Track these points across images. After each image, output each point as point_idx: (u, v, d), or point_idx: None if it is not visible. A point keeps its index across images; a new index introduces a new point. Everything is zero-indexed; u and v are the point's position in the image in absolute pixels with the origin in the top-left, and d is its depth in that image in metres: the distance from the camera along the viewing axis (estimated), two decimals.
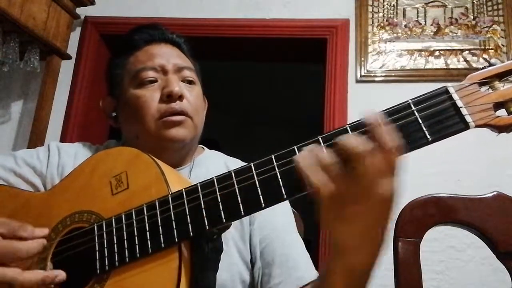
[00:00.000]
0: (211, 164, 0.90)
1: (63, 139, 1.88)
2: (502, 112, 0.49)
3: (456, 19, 1.87)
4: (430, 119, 0.49)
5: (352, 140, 0.48)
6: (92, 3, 2.00)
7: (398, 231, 0.78)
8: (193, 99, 0.85)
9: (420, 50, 1.85)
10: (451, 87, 0.50)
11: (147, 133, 0.82)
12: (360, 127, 0.50)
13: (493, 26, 1.83)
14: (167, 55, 0.87)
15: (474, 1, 1.88)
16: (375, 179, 0.48)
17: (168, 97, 0.81)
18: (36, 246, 0.59)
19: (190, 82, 0.87)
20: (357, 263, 0.55)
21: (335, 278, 0.57)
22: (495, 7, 1.86)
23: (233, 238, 0.80)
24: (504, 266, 0.75)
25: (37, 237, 0.60)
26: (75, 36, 2.03)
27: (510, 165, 1.66)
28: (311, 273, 0.79)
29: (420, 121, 0.49)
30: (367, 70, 1.85)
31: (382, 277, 1.64)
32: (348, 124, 0.52)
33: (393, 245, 0.78)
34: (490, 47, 1.80)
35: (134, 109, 0.83)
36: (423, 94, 0.51)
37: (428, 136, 0.48)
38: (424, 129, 0.49)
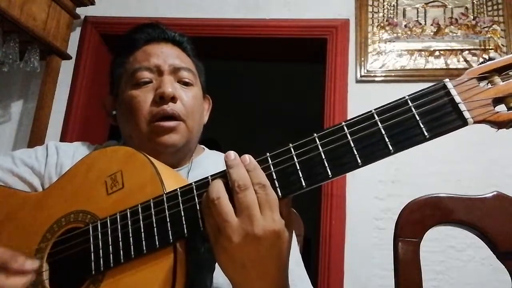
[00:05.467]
0: (210, 164, 0.88)
1: (63, 139, 1.88)
2: (501, 108, 0.47)
3: (456, 19, 1.87)
4: (428, 116, 0.47)
5: (239, 171, 0.49)
6: (92, 3, 2.00)
7: (398, 231, 0.78)
8: (188, 101, 0.84)
9: (420, 50, 1.84)
10: (449, 82, 0.48)
11: (140, 134, 0.81)
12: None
13: (493, 26, 1.83)
14: (164, 55, 0.85)
15: (474, 1, 1.88)
16: (249, 214, 0.48)
17: (161, 98, 0.80)
18: (17, 284, 0.57)
19: (187, 84, 0.86)
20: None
21: None
22: (495, 7, 1.86)
23: None
24: (504, 266, 0.75)
25: (26, 270, 0.59)
26: (75, 36, 2.03)
27: (510, 165, 1.66)
28: None
29: (418, 118, 0.48)
30: (367, 70, 1.85)
31: (382, 277, 1.65)
32: (344, 122, 0.51)
33: (393, 245, 0.78)
34: (490, 47, 1.80)
35: (129, 109, 0.83)
36: (421, 90, 0.49)
37: (426, 133, 0.47)
38: (422, 126, 0.47)
